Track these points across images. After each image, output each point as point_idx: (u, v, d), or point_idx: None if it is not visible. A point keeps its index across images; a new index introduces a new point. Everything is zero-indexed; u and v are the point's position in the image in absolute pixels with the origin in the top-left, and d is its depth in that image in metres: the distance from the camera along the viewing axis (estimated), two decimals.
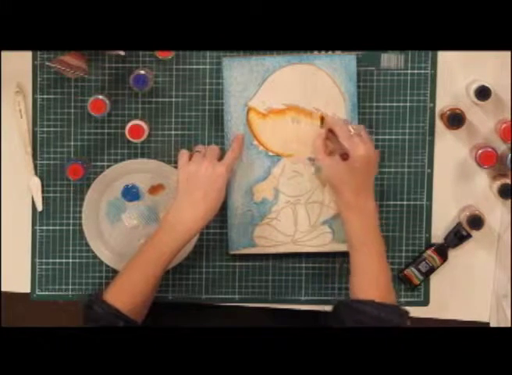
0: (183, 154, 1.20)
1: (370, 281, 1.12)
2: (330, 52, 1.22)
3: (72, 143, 1.24)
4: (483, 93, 1.19)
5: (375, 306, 1.09)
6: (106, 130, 1.24)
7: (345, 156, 1.15)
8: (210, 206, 1.16)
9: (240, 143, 1.21)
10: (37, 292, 1.26)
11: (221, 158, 1.20)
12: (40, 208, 1.24)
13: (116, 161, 1.24)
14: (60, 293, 1.26)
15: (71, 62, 1.17)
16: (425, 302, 1.26)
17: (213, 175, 1.16)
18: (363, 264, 1.13)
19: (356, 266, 1.14)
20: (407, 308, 1.12)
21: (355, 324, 1.07)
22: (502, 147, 1.23)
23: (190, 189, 1.16)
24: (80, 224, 1.24)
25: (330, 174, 1.17)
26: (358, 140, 1.14)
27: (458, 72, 1.23)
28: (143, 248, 1.16)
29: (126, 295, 1.13)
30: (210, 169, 1.16)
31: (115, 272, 1.24)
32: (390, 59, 1.23)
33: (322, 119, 1.22)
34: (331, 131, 1.19)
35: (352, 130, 1.16)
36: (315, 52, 1.22)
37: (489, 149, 1.19)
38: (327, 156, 1.17)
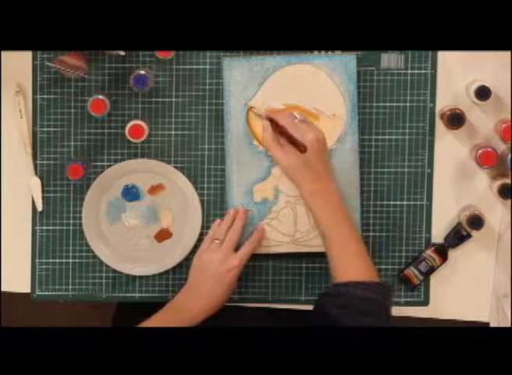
0: (208, 238, 1.20)
1: (348, 263, 1.11)
2: (330, 52, 1.22)
3: (72, 143, 1.24)
4: (483, 93, 1.19)
5: (356, 286, 1.07)
6: (106, 130, 1.24)
7: (302, 148, 1.13)
8: (215, 301, 1.17)
9: (261, 235, 1.21)
10: (37, 292, 1.26)
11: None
12: (40, 208, 1.24)
13: (116, 161, 1.24)
14: (60, 293, 1.26)
15: (71, 62, 1.17)
16: (425, 302, 1.26)
17: (224, 270, 1.16)
18: (337, 247, 1.12)
19: (331, 251, 1.13)
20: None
21: (339, 310, 1.05)
22: (502, 147, 1.23)
23: (198, 279, 1.17)
24: (80, 224, 1.24)
25: (286, 166, 1.16)
26: (304, 126, 1.14)
27: (458, 72, 1.23)
28: (144, 326, 1.14)
29: None
30: (223, 263, 1.17)
31: (115, 272, 1.24)
32: (390, 59, 1.23)
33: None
34: (273, 122, 1.18)
35: (298, 117, 1.15)
36: (315, 52, 1.22)
37: (489, 149, 1.19)
38: (279, 148, 1.15)
